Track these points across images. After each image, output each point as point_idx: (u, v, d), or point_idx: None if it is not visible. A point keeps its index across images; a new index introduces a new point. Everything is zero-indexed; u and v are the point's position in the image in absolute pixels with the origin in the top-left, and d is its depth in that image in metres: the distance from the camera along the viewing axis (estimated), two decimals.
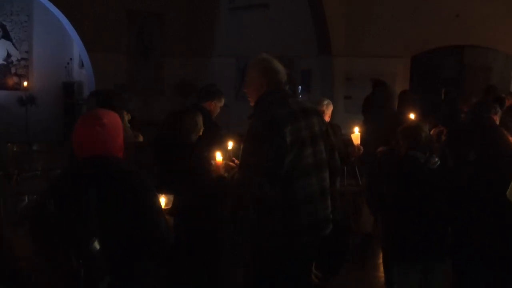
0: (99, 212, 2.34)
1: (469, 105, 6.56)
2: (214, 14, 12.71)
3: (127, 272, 2.45)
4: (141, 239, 2.45)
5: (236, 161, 3.58)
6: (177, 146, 4.26)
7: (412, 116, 5.25)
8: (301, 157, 3.10)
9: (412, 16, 10.49)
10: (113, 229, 2.37)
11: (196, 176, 4.09)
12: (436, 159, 3.94)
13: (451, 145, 4.64)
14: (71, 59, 14.12)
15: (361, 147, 4.80)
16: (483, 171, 4.15)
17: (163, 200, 2.78)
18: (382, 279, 4.99)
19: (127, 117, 3.79)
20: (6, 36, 13.74)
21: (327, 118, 4.92)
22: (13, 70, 13.89)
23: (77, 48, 12.88)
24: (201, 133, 4.37)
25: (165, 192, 2.84)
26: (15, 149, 8.43)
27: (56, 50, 13.89)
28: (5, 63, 13.78)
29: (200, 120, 4.38)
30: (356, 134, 4.76)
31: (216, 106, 5.14)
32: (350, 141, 4.96)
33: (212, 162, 3.79)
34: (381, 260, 4.99)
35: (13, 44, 13.82)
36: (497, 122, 4.54)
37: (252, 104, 3.30)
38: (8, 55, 13.80)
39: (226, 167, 3.67)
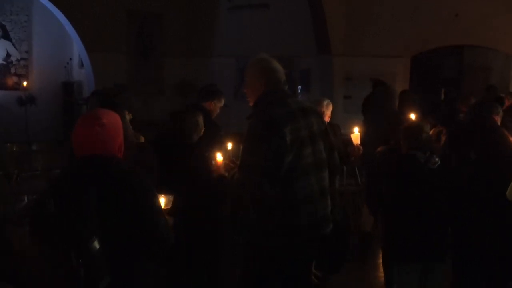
0: (99, 212, 2.34)
1: (468, 105, 6.57)
2: (214, 14, 12.71)
3: (127, 272, 2.45)
4: (141, 239, 2.44)
5: (236, 161, 3.58)
6: (177, 146, 4.27)
7: (412, 116, 5.25)
8: (300, 156, 3.10)
9: (412, 16, 10.50)
10: (113, 229, 2.37)
11: (196, 176, 4.09)
12: (436, 159, 3.94)
13: (452, 145, 4.64)
14: (70, 59, 14.11)
15: (361, 147, 4.80)
16: (483, 171, 4.15)
17: (162, 201, 2.78)
18: (382, 279, 4.99)
19: (128, 116, 3.78)
20: (6, 36, 13.73)
21: (326, 118, 4.92)
22: (12, 70, 13.88)
23: (77, 48, 12.87)
24: (202, 133, 4.38)
25: (165, 192, 2.84)
26: (14, 149, 8.44)
27: (55, 50, 13.89)
28: (4, 63, 13.77)
29: (201, 120, 4.39)
30: (355, 134, 4.76)
31: (216, 106, 5.13)
32: (349, 141, 4.96)
33: (213, 162, 3.79)
34: (381, 260, 4.99)
35: (13, 44, 13.81)
36: (499, 123, 4.53)
37: (251, 104, 3.30)
38: (8, 55, 13.80)
39: (226, 167, 3.67)
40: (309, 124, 3.19)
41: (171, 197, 2.87)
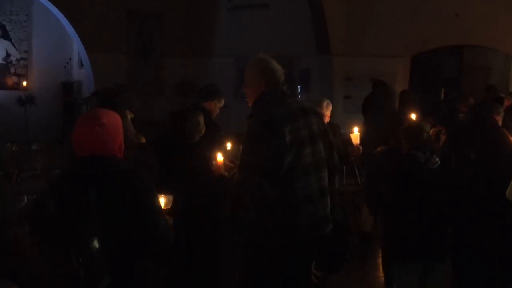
0: (99, 212, 2.34)
1: (467, 105, 6.57)
2: (214, 14, 12.71)
3: (127, 272, 2.45)
4: (141, 239, 2.44)
5: (236, 161, 3.58)
6: (177, 146, 4.27)
7: (413, 116, 5.25)
8: (300, 156, 3.10)
9: (412, 16, 10.50)
10: (113, 229, 2.37)
11: (196, 176, 4.09)
12: (437, 159, 3.94)
13: (452, 145, 4.64)
14: (70, 58, 14.11)
15: (360, 147, 4.80)
16: (483, 171, 4.15)
17: (162, 201, 2.77)
18: (382, 279, 4.99)
19: (130, 116, 3.78)
20: (6, 36, 13.73)
21: (326, 119, 4.91)
22: (12, 70, 13.88)
23: (77, 48, 12.86)
24: (203, 133, 4.38)
25: (165, 192, 2.84)
26: (14, 149, 8.44)
27: (55, 49, 13.88)
28: (4, 62, 13.77)
29: (202, 120, 4.39)
30: (355, 134, 4.75)
31: (216, 106, 5.13)
32: (349, 140, 4.96)
33: (213, 162, 3.80)
34: (380, 260, 4.99)
35: (13, 44, 13.81)
36: (500, 123, 4.53)
37: (250, 104, 3.30)
38: (8, 55, 13.80)
39: (226, 167, 3.67)
40: (308, 124, 3.19)
41: (171, 197, 2.87)
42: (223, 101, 5.23)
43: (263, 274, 3.21)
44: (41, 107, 13.31)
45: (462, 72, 12.01)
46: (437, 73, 11.97)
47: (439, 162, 3.94)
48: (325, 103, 5.03)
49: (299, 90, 11.68)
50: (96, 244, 2.26)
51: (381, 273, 5.07)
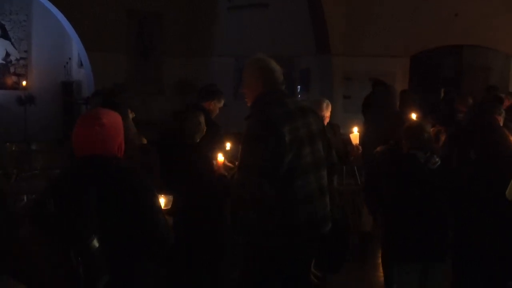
0: (99, 212, 2.34)
1: (465, 104, 6.57)
2: (213, 14, 12.72)
3: (127, 272, 2.45)
4: (141, 239, 2.44)
5: (235, 162, 3.58)
6: (177, 146, 4.26)
7: (413, 116, 5.24)
8: (300, 156, 3.10)
9: (412, 16, 10.50)
10: (113, 229, 2.37)
11: (196, 176, 4.09)
12: (437, 159, 3.93)
13: (452, 145, 4.64)
14: (70, 58, 14.11)
15: (360, 147, 4.79)
16: (483, 171, 4.15)
17: (162, 201, 2.77)
18: (382, 279, 4.99)
19: (131, 115, 3.78)
20: (5, 36, 13.72)
21: (326, 119, 4.90)
22: (12, 70, 13.88)
23: (76, 48, 12.86)
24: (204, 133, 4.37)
25: (165, 192, 2.84)
26: (14, 149, 8.43)
27: (55, 49, 13.88)
28: (4, 62, 13.77)
29: (203, 120, 4.38)
30: (355, 134, 4.75)
31: (216, 106, 5.13)
32: (349, 140, 4.95)
33: (214, 162, 3.80)
34: (380, 260, 4.99)
35: (12, 44, 13.81)
36: (501, 123, 4.53)
37: (249, 104, 3.30)
38: (7, 55, 13.79)
39: (225, 167, 3.67)
40: (307, 123, 3.19)
41: (171, 197, 2.87)
42: (223, 101, 5.22)
43: (263, 274, 3.21)
44: (41, 107, 13.31)
45: (462, 72, 12.01)
46: (437, 73, 11.98)
47: (439, 162, 3.94)
48: (324, 104, 5.02)
49: (299, 90, 11.69)
50: (95, 243, 2.26)
51: (381, 273, 5.07)
